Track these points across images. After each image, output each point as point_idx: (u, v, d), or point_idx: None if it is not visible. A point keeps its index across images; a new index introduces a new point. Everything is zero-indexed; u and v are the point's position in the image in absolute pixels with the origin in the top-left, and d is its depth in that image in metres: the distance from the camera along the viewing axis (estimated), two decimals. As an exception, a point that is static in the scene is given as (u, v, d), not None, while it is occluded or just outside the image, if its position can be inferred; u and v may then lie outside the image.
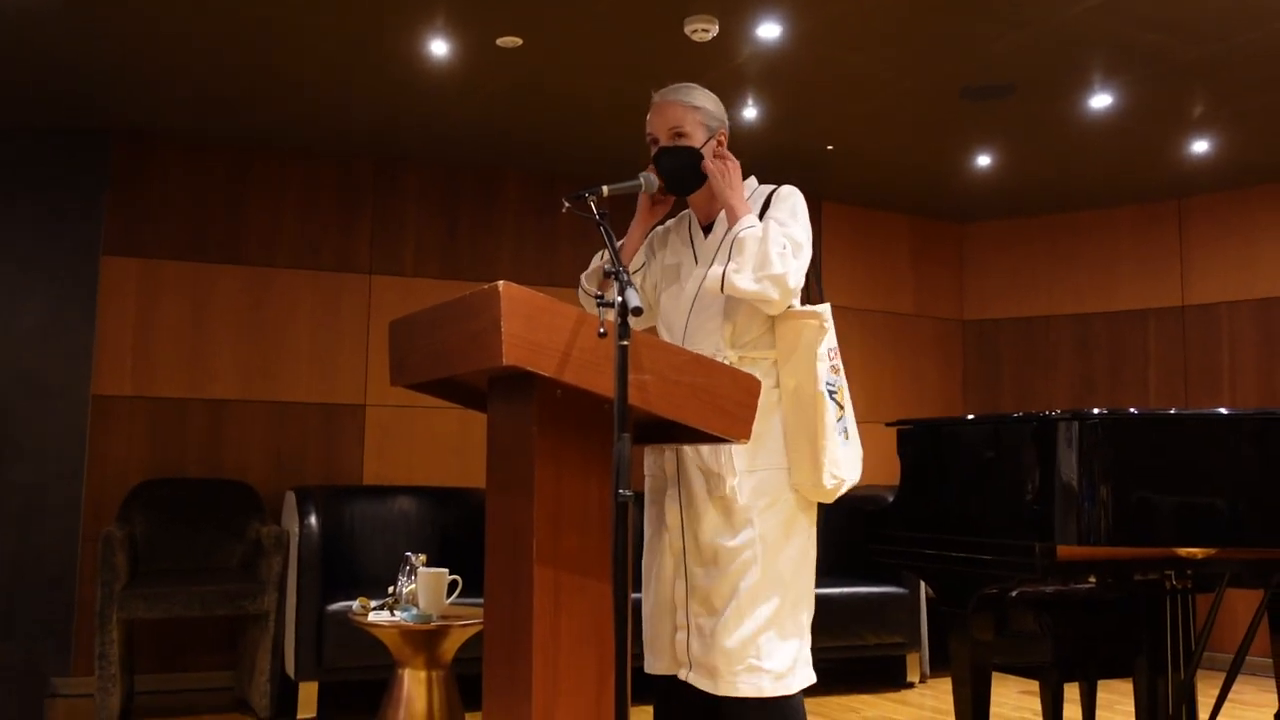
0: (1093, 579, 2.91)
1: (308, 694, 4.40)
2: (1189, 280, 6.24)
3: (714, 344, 2.42)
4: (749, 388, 2.13)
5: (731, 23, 3.96)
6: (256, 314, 5.34)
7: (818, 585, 2.50)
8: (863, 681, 5.38)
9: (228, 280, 5.31)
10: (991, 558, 2.70)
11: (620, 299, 1.93)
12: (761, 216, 2.44)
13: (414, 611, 3.48)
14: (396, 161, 5.65)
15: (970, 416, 3.39)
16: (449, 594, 3.54)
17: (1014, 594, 3.02)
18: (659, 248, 2.67)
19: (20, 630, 4.88)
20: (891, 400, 6.47)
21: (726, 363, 2.37)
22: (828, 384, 2.37)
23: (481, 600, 2.28)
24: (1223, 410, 2.79)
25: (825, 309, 2.41)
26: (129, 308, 5.14)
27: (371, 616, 3.51)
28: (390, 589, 3.65)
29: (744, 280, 2.31)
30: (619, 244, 2.58)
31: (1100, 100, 4.70)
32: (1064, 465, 2.59)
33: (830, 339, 2.41)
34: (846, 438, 2.39)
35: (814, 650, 2.44)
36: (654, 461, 2.53)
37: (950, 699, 2.98)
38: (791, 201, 2.48)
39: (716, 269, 2.35)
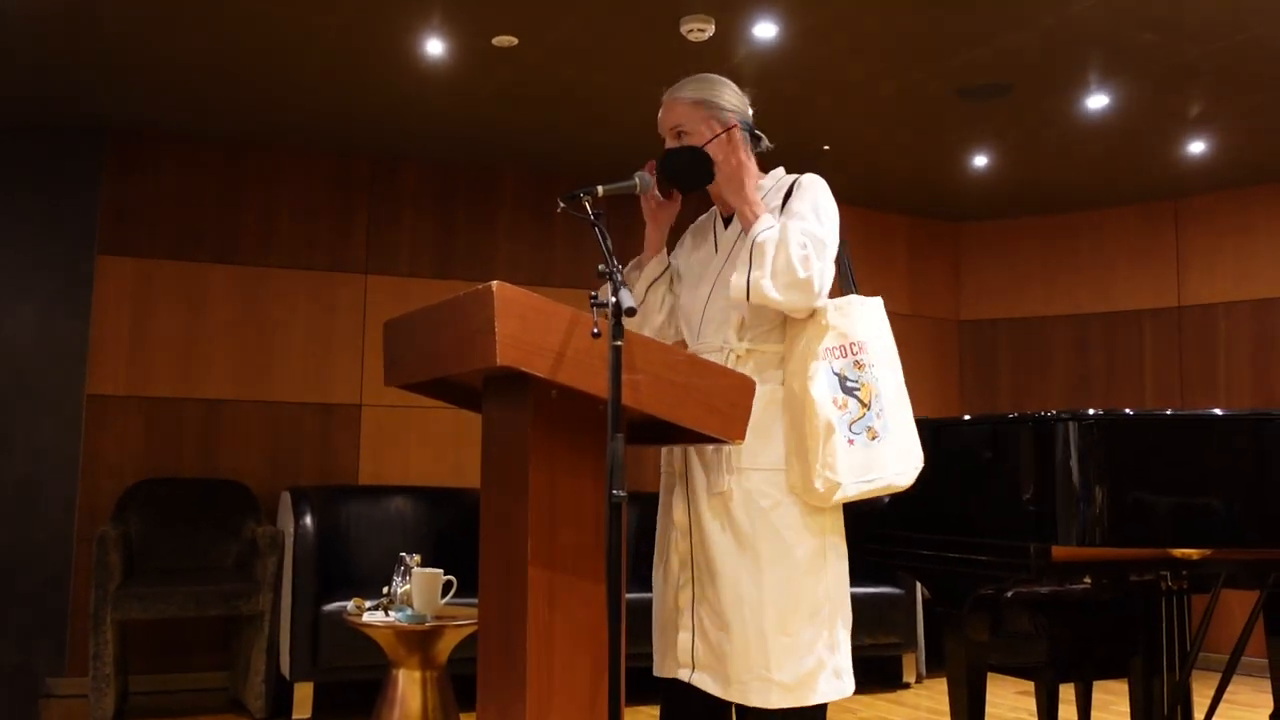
0: (1088, 579, 2.90)
1: (303, 694, 4.40)
2: (1185, 281, 6.24)
3: (724, 335, 2.41)
4: (743, 387, 2.13)
5: (728, 22, 3.96)
6: (251, 313, 5.34)
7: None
8: (859, 682, 5.33)
9: (223, 279, 5.31)
10: (987, 558, 2.70)
11: (614, 299, 1.93)
12: (784, 208, 2.40)
13: (409, 612, 3.48)
14: (392, 161, 5.64)
15: (966, 417, 3.39)
16: (444, 594, 3.54)
17: (1009, 594, 3.02)
18: (690, 244, 2.64)
19: (14, 630, 4.87)
20: (888, 400, 6.46)
21: (735, 354, 2.35)
22: (847, 380, 2.31)
23: (476, 600, 2.28)
24: (1218, 411, 2.79)
25: (829, 304, 2.34)
26: (124, 307, 5.13)
27: (366, 617, 3.50)
28: (385, 589, 3.64)
29: (769, 289, 2.24)
30: (650, 252, 2.57)
31: (1097, 100, 4.70)
32: (1060, 466, 2.58)
33: (850, 333, 2.32)
34: (873, 437, 2.29)
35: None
36: (666, 459, 2.49)
37: (946, 699, 2.97)
38: (813, 193, 2.40)
39: (739, 278, 2.28)
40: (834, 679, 2.30)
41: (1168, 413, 2.74)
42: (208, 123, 5.13)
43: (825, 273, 2.30)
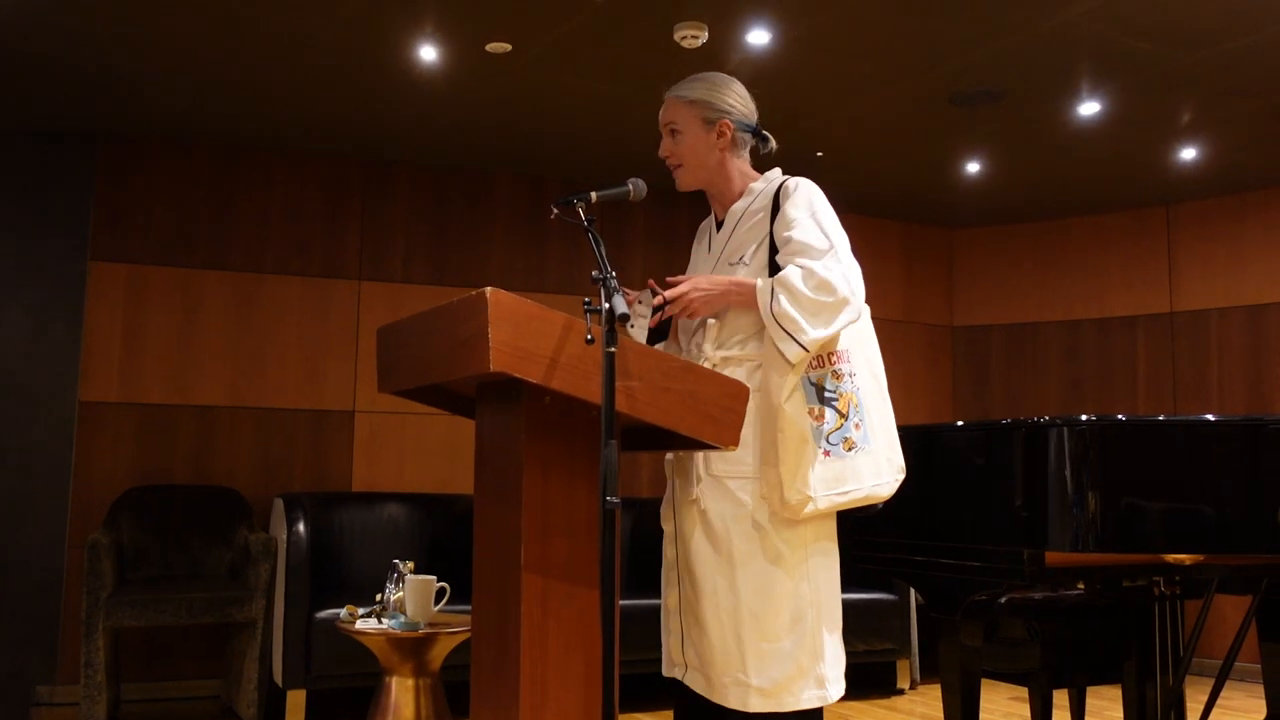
0: (1081, 585, 2.91)
1: (295, 702, 4.38)
2: (1177, 287, 6.26)
3: (698, 341, 2.42)
4: (736, 394, 2.13)
5: (721, 29, 3.96)
6: (245, 319, 5.33)
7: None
8: (853, 688, 5.33)
9: (215, 285, 5.30)
10: (980, 564, 2.70)
11: (607, 305, 1.93)
12: (774, 214, 2.40)
13: (402, 619, 3.47)
14: (386, 166, 5.64)
15: (959, 423, 3.39)
16: (437, 601, 3.53)
17: (1003, 600, 3.02)
18: (695, 248, 2.66)
19: (5, 638, 4.84)
20: (881, 406, 6.47)
21: (710, 363, 2.36)
22: (824, 391, 2.30)
23: (470, 607, 2.27)
24: (1211, 416, 2.80)
25: None
26: (116, 313, 5.12)
27: (359, 624, 3.49)
28: (378, 596, 3.63)
29: (817, 332, 2.24)
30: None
31: (1089, 107, 4.72)
32: (1053, 471, 2.59)
33: (829, 343, 2.31)
34: (850, 448, 2.28)
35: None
36: (666, 467, 2.52)
37: (940, 705, 2.97)
38: (807, 196, 2.39)
39: (791, 349, 2.25)
40: (815, 687, 2.29)
41: (1160, 418, 2.75)
42: (200, 128, 5.13)
43: (846, 275, 2.30)
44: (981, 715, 2.92)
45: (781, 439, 2.26)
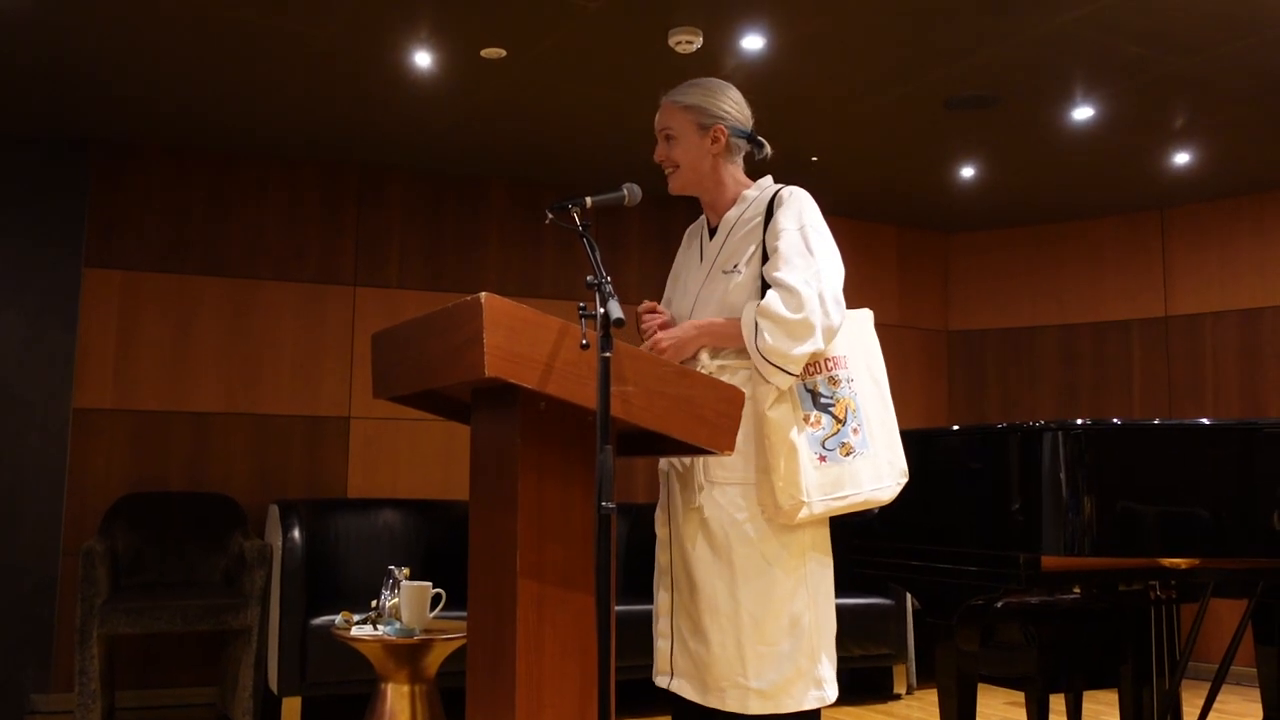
0: (1077, 589, 2.91)
1: (291, 709, 4.37)
2: (1172, 291, 6.27)
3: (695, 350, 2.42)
4: (732, 399, 2.13)
5: (716, 35, 3.97)
6: (239, 326, 5.32)
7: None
8: (849, 693, 5.36)
9: (210, 292, 5.29)
10: (976, 569, 2.70)
11: (602, 310, 1.93)
12: (766, 223, 2.40)
13: (397, 625, 3.46)
14: (381, 172, 5.64)
15: (955, 427, 3.39)
16: (432, 607, 3.52)
17: (999, 605, 3.02)
18: (684, 249, 2.65)
19: (-1, 646, 4.83)
20: (877, 411, 6.47)
21: (704, 370, 2.36)
22: (820, 396, 2.30)
23: (465, 613, 2.27)
24: (1206, 420, 2.80)
25: None
26: (110, 320, 5.11)
27: (354, 631, 3.49)
28: (374, 602, 3.63)
29: (804, 348, 2.25)
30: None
31: (1083, 112, 4.73)
32: (1048, 476, 2.59)
33: (825, 349, 2.31)
34: (847, 453, 2.28)
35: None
36: (661, 473, 2.52)
37: (937, 710, 2.97)
38: (797, 206, 2.38)
39: (781, 379, 2.26)
40: (814, 688, 2.31)
41: (1155, 422, 2.75)
42: (195, 134, 5.12)
43: (823, 293, 2.28)
44: (978, 720, 2.92)
45: (769, 445, 2.27)
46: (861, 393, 2.35)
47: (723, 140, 2.46)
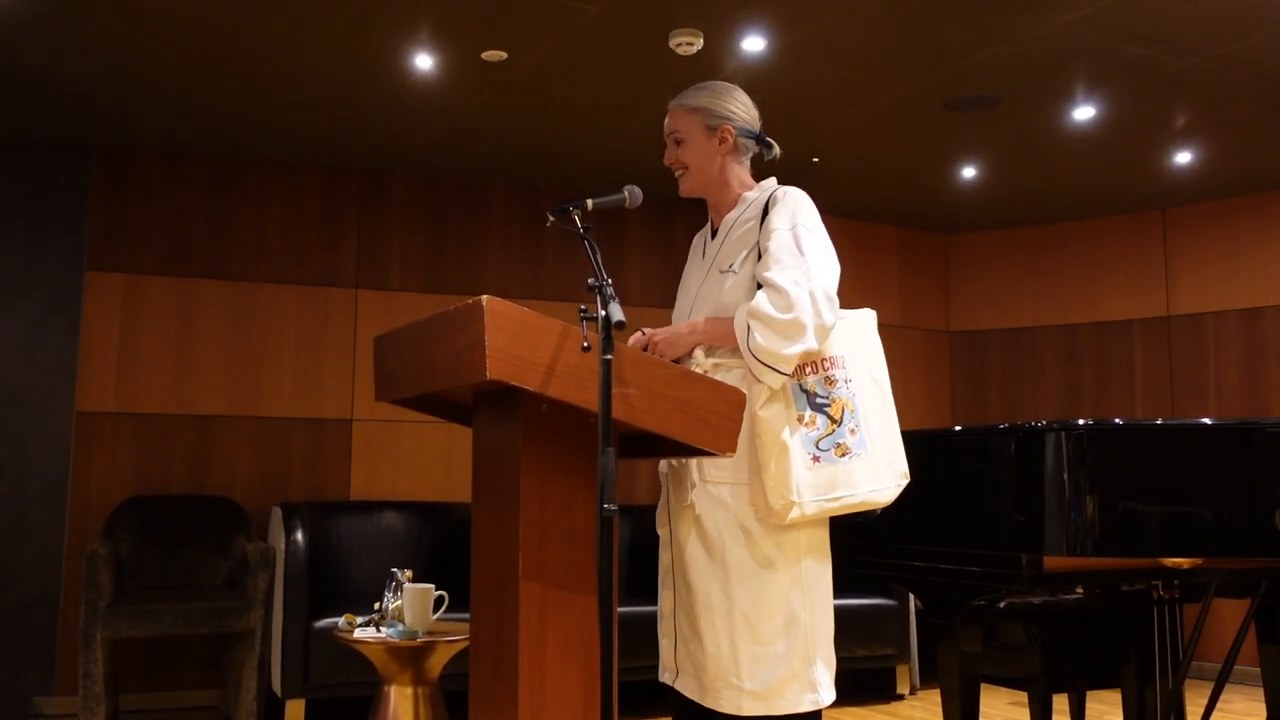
0: (1080, 589, 2.91)
1: (294, 712, 4.38)
2: (1174, 291, 6.27)
3: (690, 349, 2.43)
4: (733, 400, 2.13)
5: (716, 36, 3.97)
6: (242, 329, 5.32)
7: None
8: (853, 694, 5.36)
9: (212, 295, 5.29)
10: (979, 569, 2.70)
11: (603, 313, 1.93)
12: (762, 222, 2.40)
13: (400, 628, 3.46)
14: (382, 175, 5.65)
15: (957, 428, 3.40)
16: (435, 609, 3.53)
17: (1002, 605, 3.02)
18: (691, 254, 2.67)
19: (2, 650, 4.83)
20: (879, 412, 6.47)
21: (700, 369, 2.36)
22: (816, 397, 2.31)
23: (468, 615, 2.27)
24: (1208, 420, 2.80)
25: None
26: (113, 323, 5.12)
27: (358, 633, 3.49)
28: (376, 605, 3.63)
29: (796, 348, 2.24)
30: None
31: (1084, 112, 4.73)
32: (1050, 476, 2.59)
33: (822, 349, 2.31)
34: (843, 454, 2.27)
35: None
36: (661, 473, 2.53)
37: (940, 711, 2.97)
38: (791, 206, 2.38)
39: (773, 378, 2.26)
40: (809, 690, 2.29)
41: (1158, 422, 2.75)
42: (196, 137, 5.13)
43: (814, 292, 2.27)
44: (981, 720, 2.92)
45: (760, 445, 2.26)
46: (860, 393, 2.34)
47: (730, 140, 2.47)
